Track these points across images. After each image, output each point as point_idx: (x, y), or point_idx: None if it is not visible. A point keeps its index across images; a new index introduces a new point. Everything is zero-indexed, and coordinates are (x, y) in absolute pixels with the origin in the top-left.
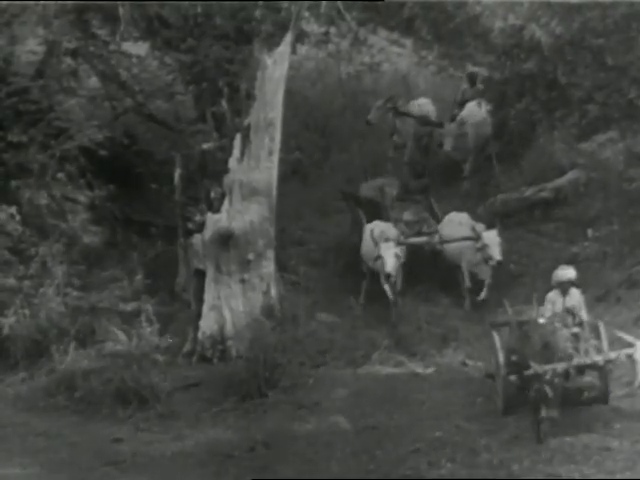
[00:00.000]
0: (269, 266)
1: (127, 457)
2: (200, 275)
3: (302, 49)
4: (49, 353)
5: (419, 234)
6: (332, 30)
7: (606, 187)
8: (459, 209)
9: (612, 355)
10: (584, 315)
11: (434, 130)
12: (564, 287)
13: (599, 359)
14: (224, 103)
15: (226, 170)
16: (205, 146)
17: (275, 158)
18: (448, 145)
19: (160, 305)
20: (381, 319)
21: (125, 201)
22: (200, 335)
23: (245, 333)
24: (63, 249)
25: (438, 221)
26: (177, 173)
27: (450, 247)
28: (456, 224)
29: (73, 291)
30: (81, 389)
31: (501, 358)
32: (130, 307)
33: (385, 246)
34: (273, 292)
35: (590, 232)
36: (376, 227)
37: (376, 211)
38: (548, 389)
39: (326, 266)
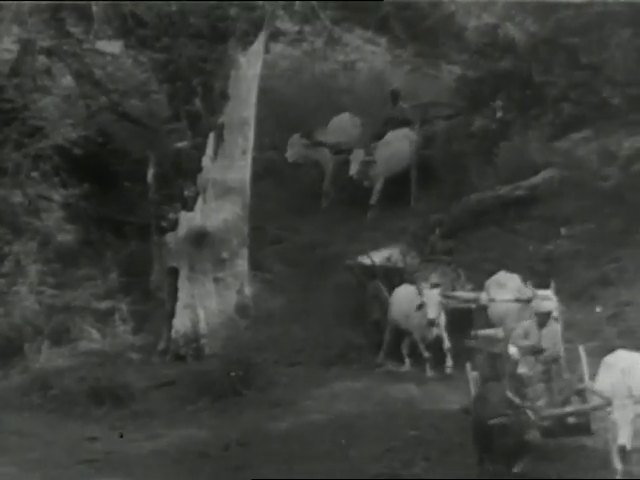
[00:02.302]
0: (243, 265)
1: (101, 456)
2: (174, 273)
3: (277, 47)
4: (23, 352)
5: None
6: (307, 28)
7: (580, 185)
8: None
9: (593, 404)
10: (561, 349)
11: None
12: (542, 319)
13: (580, 408)
14: (198, 102)
15: (200, 169)
16: (179, 145)
17: (249, 157)
18: (353, 169)
19: (134, 303)
20: (356, 318)
21: (99, 200)
22: (174, 333)
23: (219, 331)
24: (37, 247)
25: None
26: (151, 172)
27: (496, 307)
28: (498, 286)
29: (47, 289)
30: (55, 388)
31: (473, 392)
32: (104, 305)
33: (430, 293)
34: (247, 291)
35: (564, 230)
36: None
37: (397, 277)
38: (530, 413)
39: (301, 265)
